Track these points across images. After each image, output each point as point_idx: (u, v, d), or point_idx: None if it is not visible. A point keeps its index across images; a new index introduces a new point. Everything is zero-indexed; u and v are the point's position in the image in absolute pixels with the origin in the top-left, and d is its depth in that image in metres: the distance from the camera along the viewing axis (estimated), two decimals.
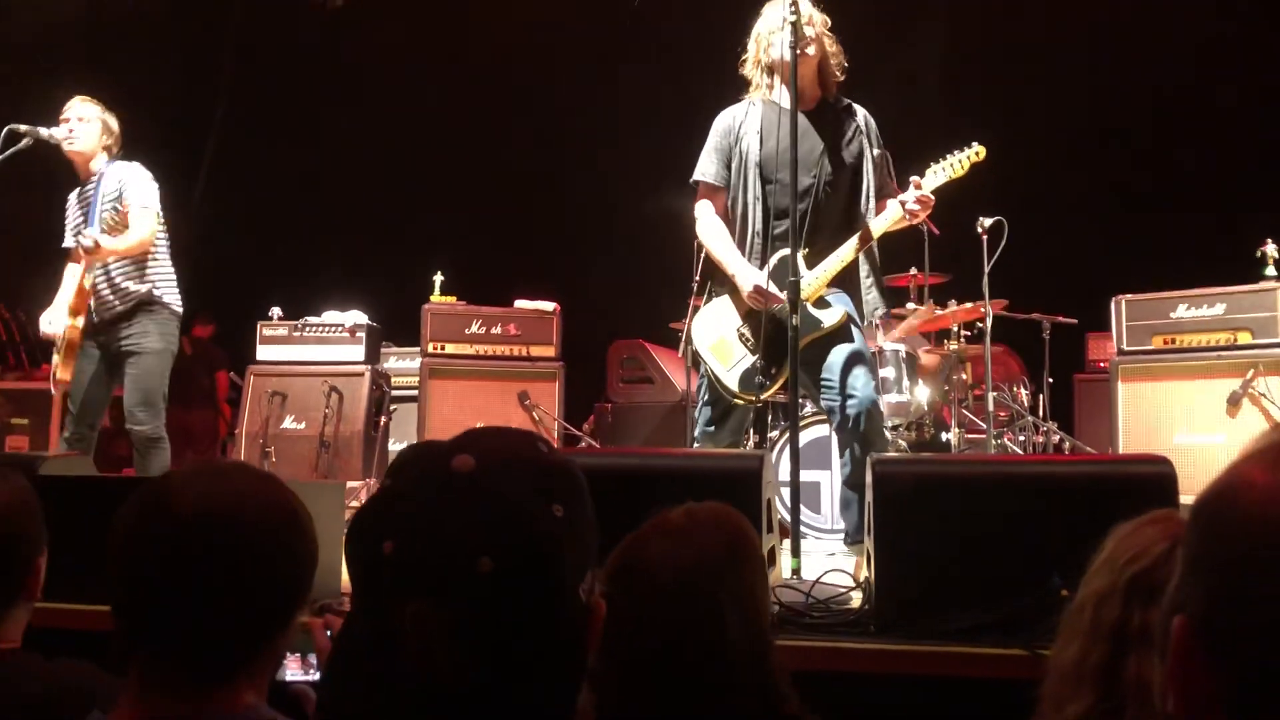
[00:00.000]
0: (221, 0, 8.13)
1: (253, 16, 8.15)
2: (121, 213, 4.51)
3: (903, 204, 3.54)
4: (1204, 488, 0.73)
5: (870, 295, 3.75)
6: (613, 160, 7.87)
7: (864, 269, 3.74)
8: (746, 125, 3.72)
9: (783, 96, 3.61)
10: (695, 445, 3.87)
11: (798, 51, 3.35)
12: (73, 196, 4.71)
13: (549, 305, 6.17)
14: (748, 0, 3.78)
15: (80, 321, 4.56)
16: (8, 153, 4.44)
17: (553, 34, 8.08)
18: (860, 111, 3.79)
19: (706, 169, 3.78)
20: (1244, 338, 4.80)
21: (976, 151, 3.64)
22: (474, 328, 6.03)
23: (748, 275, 3.59)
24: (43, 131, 4.50)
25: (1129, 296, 5.17)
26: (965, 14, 7.32)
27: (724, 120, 3.80)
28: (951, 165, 3.63)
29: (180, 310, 4.75)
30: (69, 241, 4.71)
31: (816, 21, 3.64)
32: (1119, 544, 1.33)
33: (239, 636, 1.23)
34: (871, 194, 3.70)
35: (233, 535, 1.23)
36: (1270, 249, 4.89)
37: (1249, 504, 0.67)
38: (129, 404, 4.56)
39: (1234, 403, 4.65)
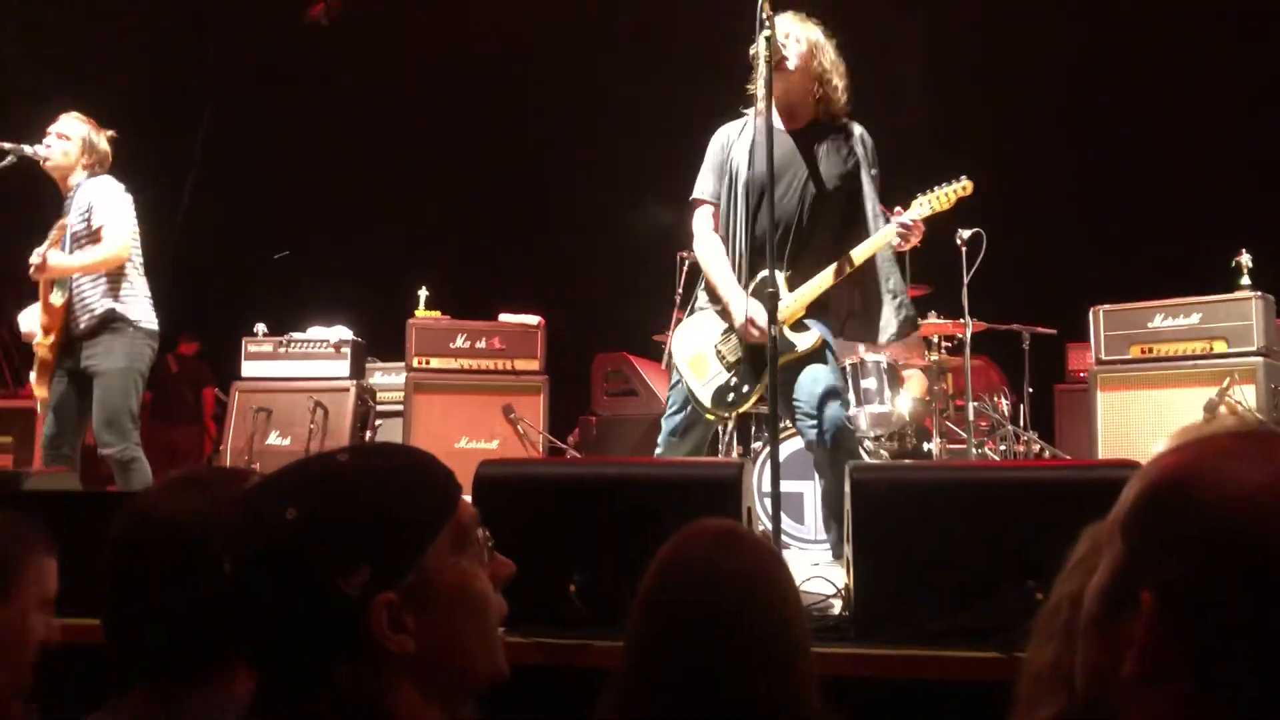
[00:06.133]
0: (206, 18, 8.14)
1: (238, 36, 8.17)
2: (94, 229, 4.47)
3: (900, 225, 3.50)
4: (1149, 477, 0.79)
5: (893, 313, 3.62)
6: (598, 175, 7.91)
7: (885, 284, 3.62)
8: (738, 145, 3.67)
9: (774, 115, 3.53)
10: (657, 452, 3.84)
11: (772, 67, 3.34)
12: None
13: (533, 319, 6.19)
14: (742, 16, 3.77)
15: (51, 340, 4.48)
16: None
17: (540, 48, 8.13)
18: (858, 130, 3.67)
19: (705, 187, 3.72)
20: (1219, 346, 4.87)
21: (964, 185, 3.62)
22: (459, 342, 6.05)
23: (741, 305, 3.51)
24: (26, 149, 4.48)
25: (1107, 307, 5.23)
26: (943, 29, 7.39)
27: (719, 138, 3.75)
28: (937, 198, 3.60)
29: (152, 327, 4.59)
30: None
31: (803, 39, 3.56)
32: (1092, 545, 1.36)
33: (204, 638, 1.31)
34: (876, 215, 3.59)
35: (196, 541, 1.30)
36: (1244, 259, 4.96)
37: (1221, 488, 0.75)
38: (95, 426, 4.41)
39: (1210, 410, 4.70)
